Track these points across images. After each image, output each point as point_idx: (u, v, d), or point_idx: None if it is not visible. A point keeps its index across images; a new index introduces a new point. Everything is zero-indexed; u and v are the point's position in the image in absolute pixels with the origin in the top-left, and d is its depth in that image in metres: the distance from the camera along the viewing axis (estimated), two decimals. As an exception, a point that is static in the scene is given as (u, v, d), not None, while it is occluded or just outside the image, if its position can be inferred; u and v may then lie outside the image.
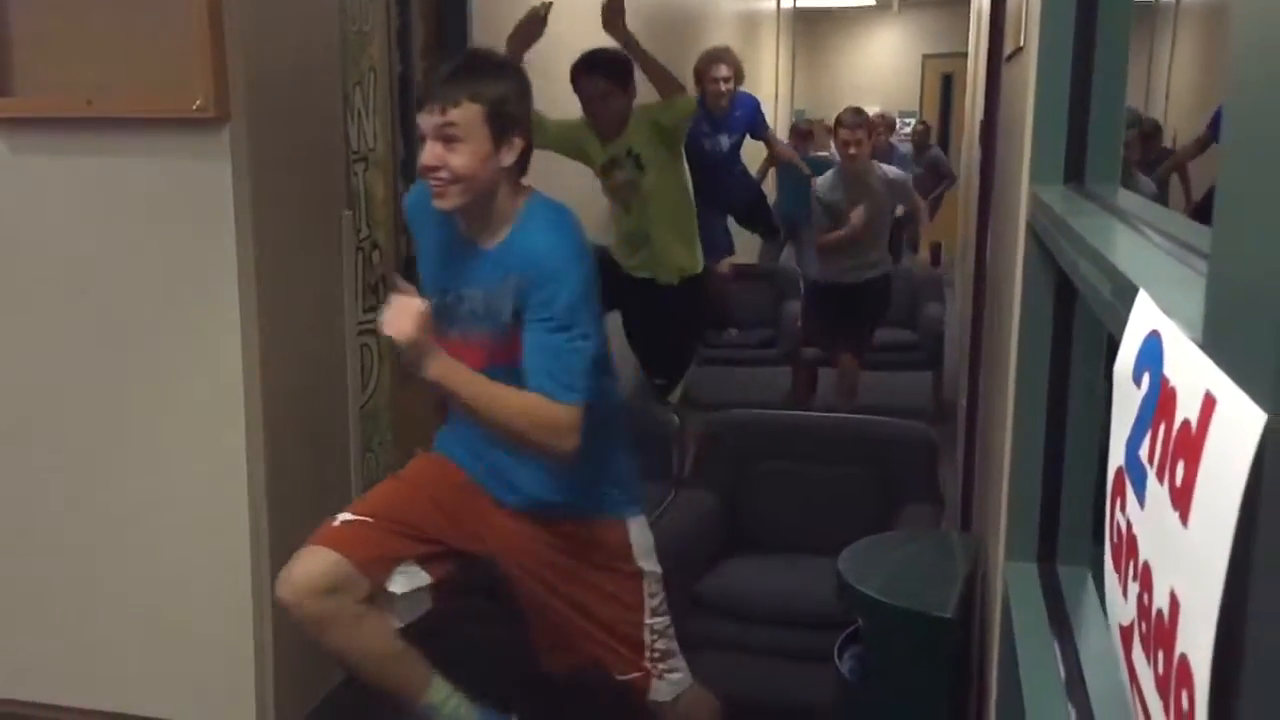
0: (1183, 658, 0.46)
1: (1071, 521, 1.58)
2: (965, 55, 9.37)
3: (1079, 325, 1.50)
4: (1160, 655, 0.49)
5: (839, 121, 5.59)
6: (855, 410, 5.13)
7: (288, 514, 2.95)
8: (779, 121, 11.87)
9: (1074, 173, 1.61)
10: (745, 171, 6.09)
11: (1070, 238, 1.11)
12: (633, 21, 6.53)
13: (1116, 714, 1.16)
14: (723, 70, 5.53)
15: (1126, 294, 0.73)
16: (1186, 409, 0.52)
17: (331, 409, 3.23)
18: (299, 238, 3.01)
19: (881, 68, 13.42)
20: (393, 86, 3.66)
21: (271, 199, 2.83)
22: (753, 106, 5.92)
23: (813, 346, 6.07)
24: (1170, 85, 2.71)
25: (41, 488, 3.00)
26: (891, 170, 5.80)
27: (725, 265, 5.59)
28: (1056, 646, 1.41)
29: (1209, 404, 0.49)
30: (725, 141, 5.62)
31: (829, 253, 5.59)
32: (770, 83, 11.60)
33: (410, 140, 3.81)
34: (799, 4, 12.97)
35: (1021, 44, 2.01)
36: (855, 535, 2.53)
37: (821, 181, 5.67)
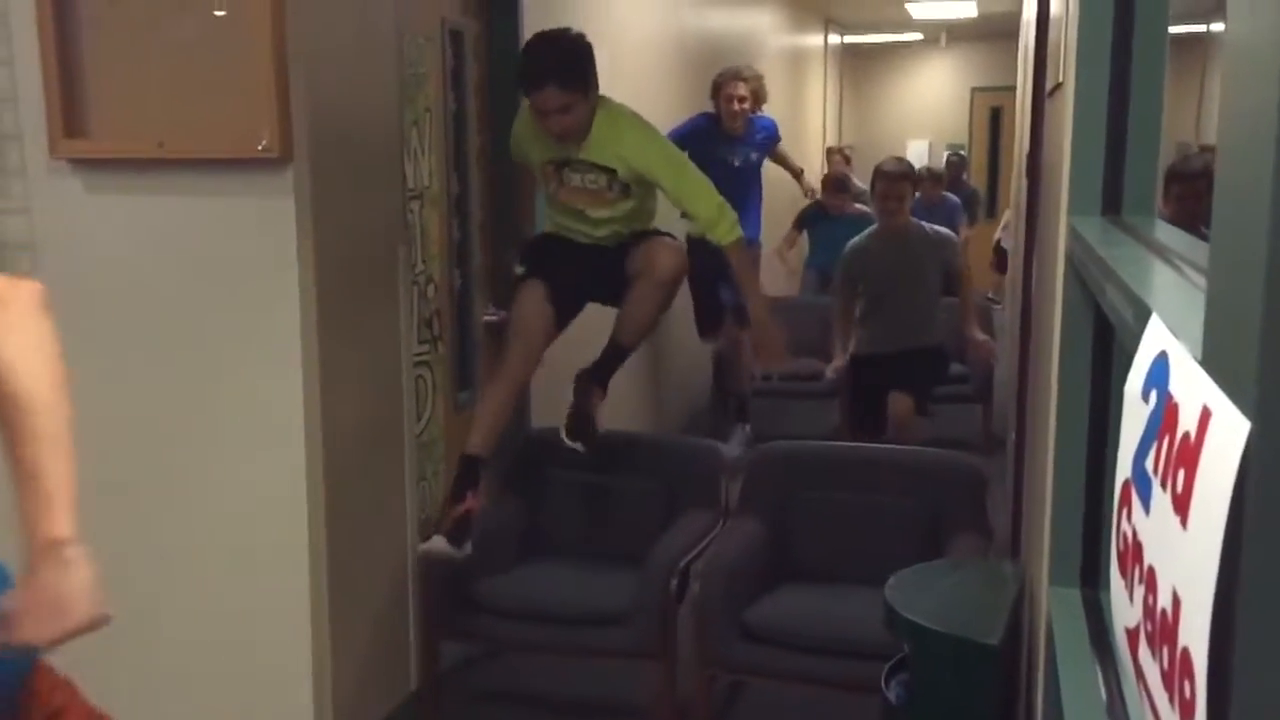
0: (1184, 651, 0.50)
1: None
2: (1014, 89, 9.38)
3: (1117, 354, 1.54)
4: (1165, 651, 0.54)
5: (878, 172, 4.68)
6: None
7: (345, 541, 3.03)
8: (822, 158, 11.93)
9: (1111, 205, 1.64)
10: (755, 202, 5.86)
11: (1100, 267, 1.16)
12: (679, 58, 6.64)
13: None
14: (740, 89, 5.47)
15: (1144, 318, 0.77)
16: (1187, 422, 0.56)
17: (388, 439, 3.31)
18: (358, 273, 3.10)
19: (930, 102, 13.44)
20: (447, 126, 3.77)
21: (332, 235, 2.92)
22: (773, 129, 5.88)
23: (860, 431, 4.98)
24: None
25: (105, 514, 3.09)
26: (934, 229, 4.83)
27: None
28: (1098, 669, 1.44)
29: (1205, 416, 0.54)
30: (739, 156, 5.55)
31: (865, 325, 4.80)
32: (818, 118, 11.67)
33: (464, 177, 3.92)
34: (847, 39, 13.05)
35: (1061, 80, 2.05)
36: (903, 565, 2.54)
37: (852, 247, 4.74)
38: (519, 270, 3.51)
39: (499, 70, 4.11)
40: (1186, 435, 0.56)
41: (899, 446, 3.90)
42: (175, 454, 3.03)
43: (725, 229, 3.24)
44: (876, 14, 11.59)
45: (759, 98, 5.57)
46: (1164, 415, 0.60)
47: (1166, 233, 1.44)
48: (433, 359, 3.60)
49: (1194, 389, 0.58)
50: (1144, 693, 0.62)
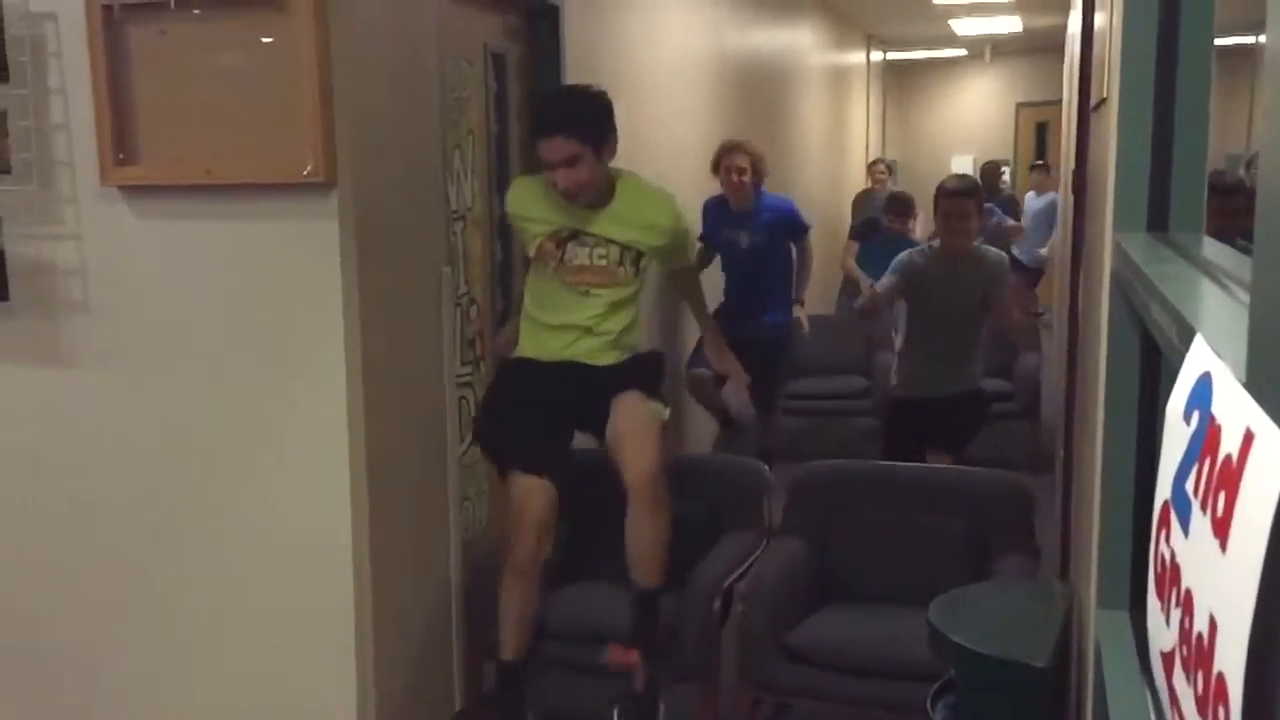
0: (1219, 676, 0.49)
1: (1162, 568, 1.58)
2: (1059, 104, 9.30)
3: (1165, 374, 1.51)
4: (1200, 676, 0.53)
5: (940, 190, 4.39)
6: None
7: (388, 562, 3.04)
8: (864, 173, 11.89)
9: (1158, 221, 1.62)
10: (780, 284, 5.48)
11: (1145, 285, 1.14)
12: (721, 78, 6.65)
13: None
14: (738, 160, 5.23)
15: (1188, 337, 0.76)
16: (1229, 444, 0.55)
17: (431, 458, 3.32)
18: (401, 294, 3.13)
19: (974, 117, 13.36)
20: (490, 148, 3.80)
21: (376, 257, 2.95)
22: (786, 211, 5.50)
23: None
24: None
25: (154, 532, 3.14)
26: (991, 253, 4.46)
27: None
28: (1148, 694, 1.41)
29: (1248, 439, 0.53)
30: (745, 239, 5.29)
31: (907, 361, 4.52)
32: (860, 135, 11.64)
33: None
34: (889, 56, 13.01)
35: (1106, 94, 2.03)
36: (949, 586, 2.52)
37: (909, 259, 4.42)
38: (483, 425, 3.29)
39: (541, 93, 4.14)
40: (1229, 458, 0.55)
41: (944, 466, 3.86)
42: (221, 476, 3.06)
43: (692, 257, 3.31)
44: (919, 30, 11.56)
45: (759, 171, 5.31)
46: (1206, 437, 0.59)
47: (1214, 250, 1.42)
48: (475, 380, 3.62)
49: (1237, 411, 0.56)
50: (1176, 715, 0.60)
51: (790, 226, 5.43)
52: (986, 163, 11.40)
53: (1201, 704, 0.52)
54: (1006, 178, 12.30)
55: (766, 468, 3.76)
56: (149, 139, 2.95)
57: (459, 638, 3.42)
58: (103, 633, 3.22)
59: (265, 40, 2.84)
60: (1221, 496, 0.54)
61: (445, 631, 3.40)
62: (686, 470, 3.88)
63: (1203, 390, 0.63)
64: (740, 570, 3.35)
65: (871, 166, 10.07)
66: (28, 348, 3.15)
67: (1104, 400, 1.67)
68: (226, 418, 3.04)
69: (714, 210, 5.43)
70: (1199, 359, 0.68)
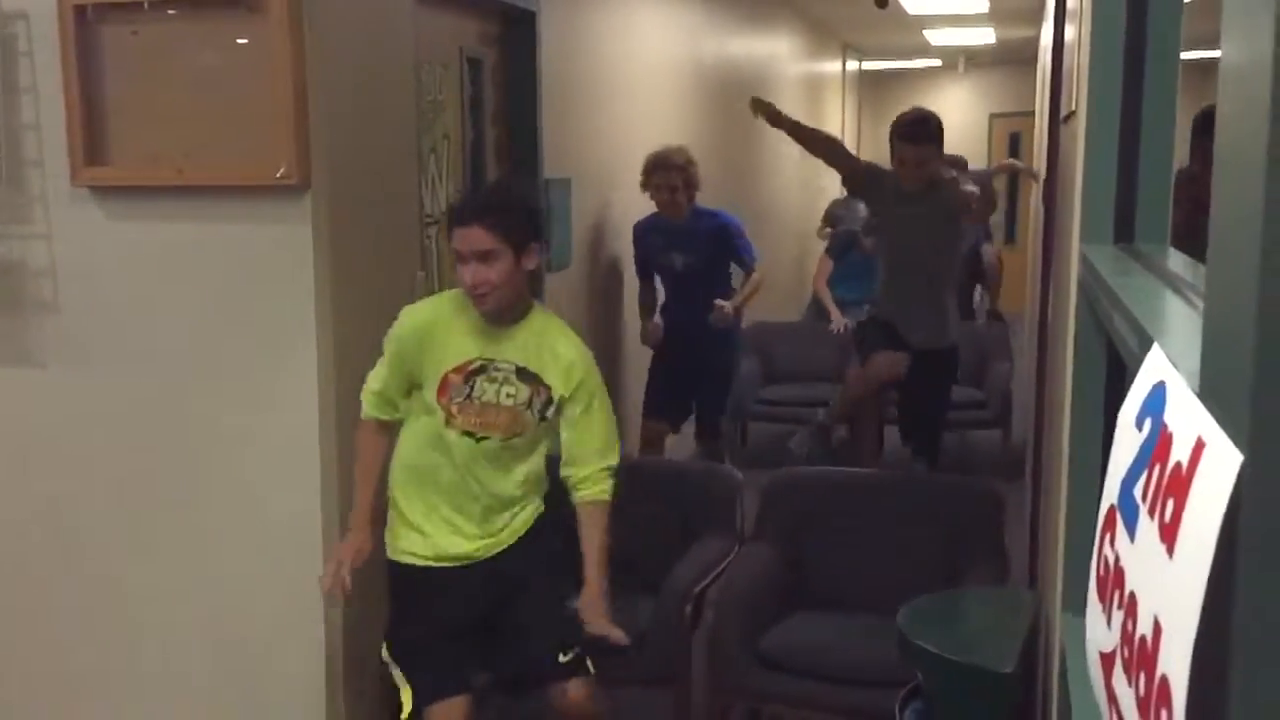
0: (1163, 678, 0.50)
1: (1126, 575, 1.59)
2: (1033, 115, 9.39)
3: (1129, 383, 1.53)
4: (1142, 678, 0.54)
5: (898, 131, 4.34)
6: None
7: (361, 567, 3.03)
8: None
9: (1124, 233, 1.64)
10: (722, 326, 4.78)
11: (1108, 295, 1.15)
12: (697, 86, 6.68)
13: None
14: (669, 179, 4.71)
15: (1147, 347, 0.77)
16: (1180, 452, 0.56)
17: (403, 464, 3.31)
18: (375, 297, 3.12)
19: (948, 127, 13.36)
20: (465, 152, 3.80)
21: (349, 261, 2.94)
22: (727, 230, 4.88)
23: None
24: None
25: (125, 532, 3.12)
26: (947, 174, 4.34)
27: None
28: (1111, 699, 1.43)
29: (1199, 447, 0.54)
30: (679, 260, 4.80)
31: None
32: (836, 143, 11.68)
33: (481, 204, 3.94)
34: (865, 65, 13.09)
35: (1075, 107, 2.05)
36: (919, 593, 2.53)
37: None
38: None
39: (516, 98, 4.15)
40: (1178, 465, 0.56)
41: (916, 475, 3.88)
42: (191, 477, 3.04)
43: (601, 488, 2.72)
44: (895, 40, 11.63)
45: (692, 183, 4.78)
46: (1157, 444, 0.60)
47: (1178, 261, 1.44)
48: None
49: (1189, 419, 0.58)
50: (1114, 716, 0.61)
51: (726, 242, 4.84)
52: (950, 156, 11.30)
53: (1143, 705, 0.53)
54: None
55: (738, 474, 3.77)
56: (120, 140, 2.94)
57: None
58: (74, 631, 3.19)
59: (239, 41, 2.83)
60: (1170, 503, 0.55)
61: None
62: (659, 476, 3.90)
63: (1156, 399, 0.65)
64: (712, 576, 3.35)
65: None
66: (-4, 348, 3.13)
67: (1070, 409, 1.69)
68: (197, 419, 3.02)
69: (645, 233, 4.95)
70: (1154, 368, 0.69)
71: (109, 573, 3.14)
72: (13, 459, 3.19)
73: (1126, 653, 0.58)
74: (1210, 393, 0.58)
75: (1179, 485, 0.55)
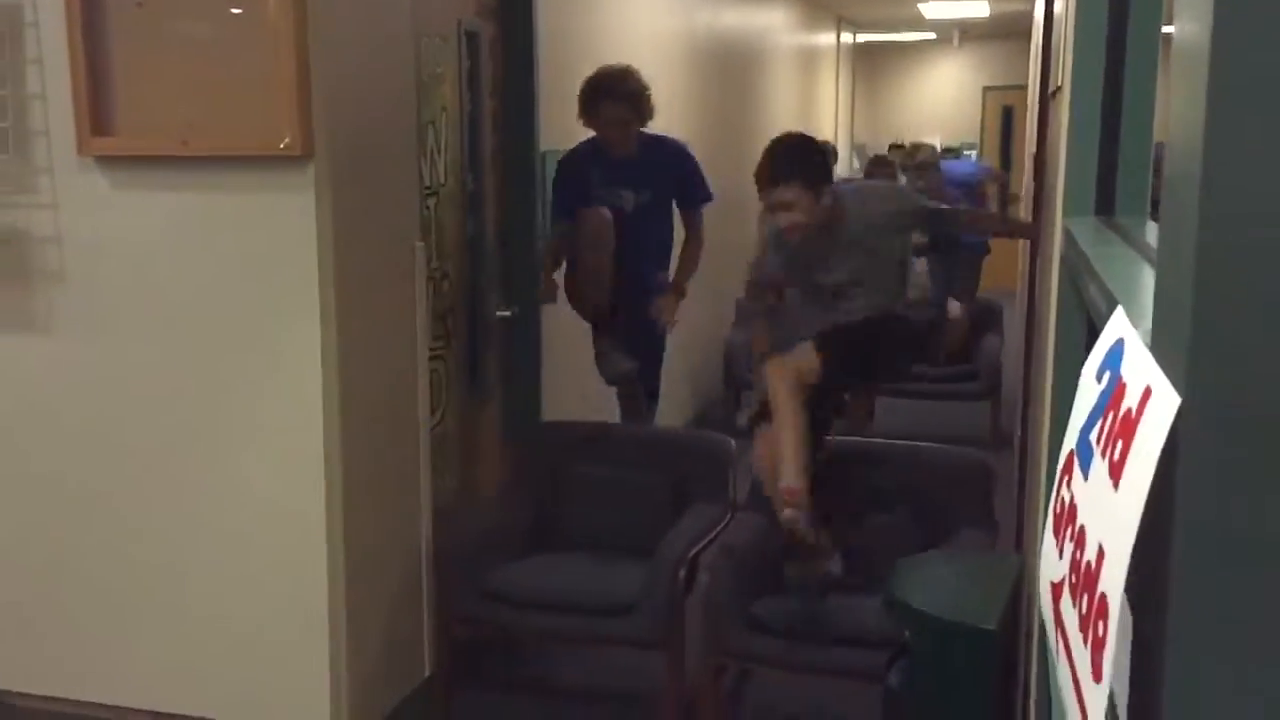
0: (1101, 595, 0.57)
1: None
2: (1026, 88, 9.41)
3: (1107, 347, 1.60)
4: (1085, 598, 0.61)
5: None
6: (914, 437, 5.16)
7: (361, 530, 3.10)
8: (840, 155, 11.97)
9: (1105, 206, 1.70)
10: (664, 253, 4.27)
11: (1085, 265, 1.22)
12: (691, 57, 6.70)
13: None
14: (618, 111, 4.00)
15: (1112, 309, 0.84)
16: (1131, 399, 0.63)
17: (403, 430, 3.38)
18: (375, 267, 3.18)
19: (942, 100, 13.48)
20: (463, 125, 3.84)
21: (350, 230, 3.00)
22: (684, 159, 4.28)
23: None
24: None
25: (127, 500, 3.18)
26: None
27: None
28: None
29: (1147, 394, 0.61)
30: (630, 198, 4.09)
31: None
32: (830, 115, 11.71)
33: (479, 175, 3.99)
34: (859, 38, 13.09)
35: (1061, 82, 2.11)
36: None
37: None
38: None
39: (513, 71, 4.18)
40: (1129, 410, 0.62)
41: (909, 442, 3.94)
42: (194, 444, 3.11)
43: None
44: (889, 13, 11.64)
45: (642, 112, 4.06)
46: (1113, 394, 0.67)
47: (1155, 232, 1.51)
48: (447, 353, 3.67)
49: (1141, 371, 0.64)
50: (1060, 637, 0.68)
51: (683, 175, 4.22)
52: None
53: (1084, 622, 0.60)
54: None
55: (732, 442, 3.84)
56: (126, 110, 2.98)
57: (429, 605, 3.49)
58: (73, 600, 3.26)
59: (242, 13, 2.87)
60: (1119, 444, 0.61)
61: (416, 599, 3.46)
62: (654, 443, 3.97)
63: (1115, 355, 0.71)
64: (705, 542, 3.43)
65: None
66: (2, 317, 3.18)
67: (1051, 377, 1.75)
68: (200, 386, 3.08)
69: (581, 165, 4.12)
70: (1116, 327, 0.76)
71: (111, 539, 3.21)
72: (18, 426, 3.24)
73: (1074, 579, 0.64)
74: (1160, 348, 0.64)
75: (1128, 428, 0.61)
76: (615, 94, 3.99)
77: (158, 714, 3.23)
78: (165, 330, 3.08)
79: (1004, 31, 11.72)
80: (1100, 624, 0.56)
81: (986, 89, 13.26)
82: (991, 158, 12.89)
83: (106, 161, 3.02)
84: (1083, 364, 1.67)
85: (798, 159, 3.30)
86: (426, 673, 3.50)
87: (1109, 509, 0.59)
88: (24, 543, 3.30)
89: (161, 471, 3.14)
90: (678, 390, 6.02)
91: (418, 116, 3.41)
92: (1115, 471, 0.60)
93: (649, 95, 4.07)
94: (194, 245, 3.03)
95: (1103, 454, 0.63)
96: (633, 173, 4.09)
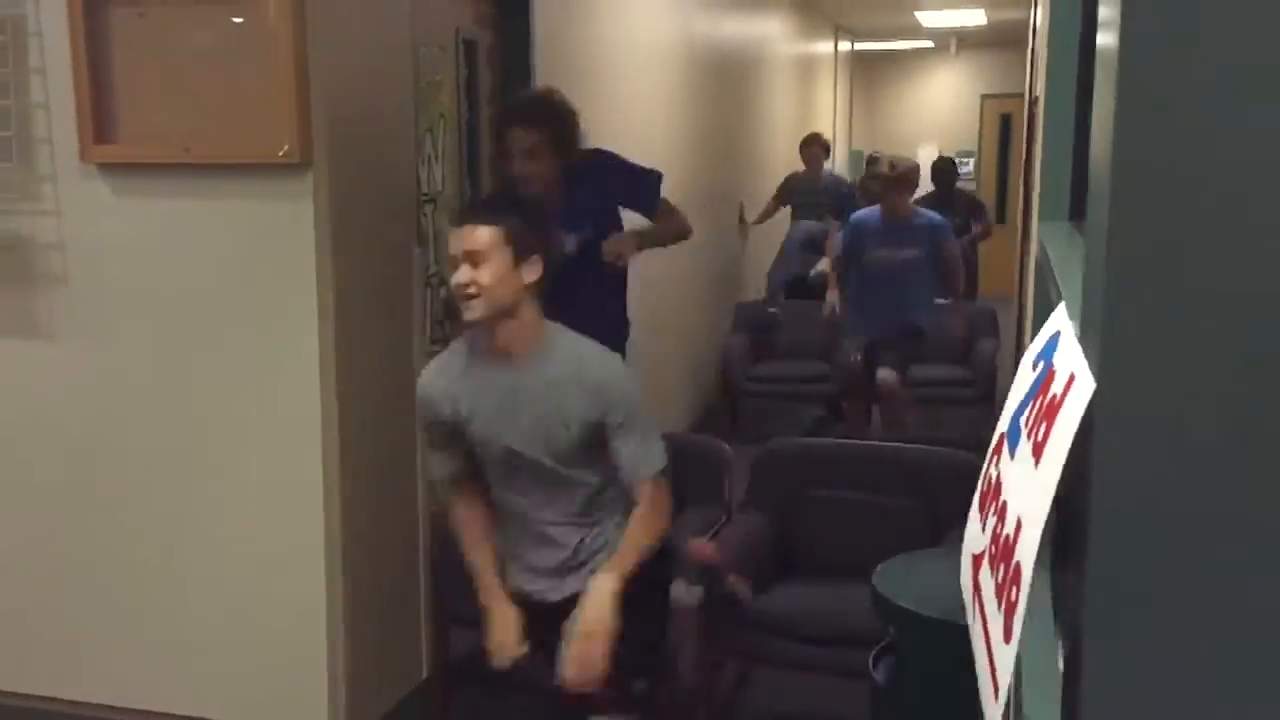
0: (1017, 564, 0.62)
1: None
2: (1023, 96, 9.47)
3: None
4: (1001, 567, 0.66)
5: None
6: (904, 440, 5.22)
7: (359, 532, 3.15)
8: (838, 161, 12.02)
9: (1078, 211, 1.75)
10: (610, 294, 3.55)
11: (1048, 265, 1.27)
12: (689, 66, 6.76)
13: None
14: (523, 138, 3.30)
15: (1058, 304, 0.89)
16: (1057, 386, 0.68)
17: (400, 434, 3.43)
18: (373, 273, 3.23)
19: (940, 108, 13.54)
20: (461, 132, 3.90)
21: (349, 237, 3.05)
22: (615, 174, 3.53)
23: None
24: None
25: (129, 505, 3.23)
26: None
27: None
28: (1059, 643, 1.54)
29: (1070, 380, 0.66)
30: (571, 241, 3.33)
31: None
32: (828, 124, 11.77)
33: (475, 183, 4.04)
34: (857, 47, 13.16)
35: (1038, 92, 2.16)
36: (901, 558, 2.65)
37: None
38: None
39: (510, 79, 4.24)
40: (1054, 395, 0.67)
41: (901, 444, 4.00)
42: (195, 448, 3.15)
43: None
44: (886, 21, 11.70)
45: (562, 143, 3.32)
46: (1044, 381, 0.72)
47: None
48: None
49: (1069, 360, 0.69)
50: (977, 604, 0.73)
51: (626, 188, 3.53)
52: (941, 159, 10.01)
53: (1000, 590, 0.65)
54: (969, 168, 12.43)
55: (728, 448, 3.89)
56: (128, 118, 3.04)
57: (426, 608, 3.53)
58: (70, 600, 3.30)
59: (243, 21, 2.92)
60: (1044, 425, 0.66)
61: (414, 602, 3.51)
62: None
63: (1050, 345, 0.76)
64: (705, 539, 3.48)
65: (808, 144, 7.99)
66: (5, 321, 3.23)
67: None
68: (201, 391, 3.13)
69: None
70: (1056, 320, 0.80)
71: (112, 540, 3.25)
72: (20, 430, 3.29)
73: (993, 550, 0.69)
74: (1084, 338, 0.69)
75: (1052, 411, 0.66)
76: (527, 118, 3.34)
77: (154, 714, 3.28)
78: (166, 335, 3.13)
79: (1002, 40, 11.79)
80: (1014, 589, 0.61)
81: (984, 97, 13.32)
82: (989, 166, 12.95)
83: (109, 169, 3.07)
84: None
85: None
86: (424, 674, 3.55)
87: (1029, 485, 0.64)
88: (22, 545, 3.34)
89: (161, 475, 3.19)
90: (678, 396, 6.07)
91: (416, 124, 3.47)
92: (1037, 451, 0.65)
93: (573, 123, 3.36)
94: (195, 251, 3.08)
95: (1029, 435, 0.68)
96: (565, 208, 3.32)
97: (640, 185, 3.54)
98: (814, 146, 8.00)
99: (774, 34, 9.38)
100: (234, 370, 3.11)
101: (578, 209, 3.38)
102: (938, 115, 13.38)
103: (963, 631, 2.17)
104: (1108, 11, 0.66)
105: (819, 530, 3.57)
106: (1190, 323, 0.57)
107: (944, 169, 8.49)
